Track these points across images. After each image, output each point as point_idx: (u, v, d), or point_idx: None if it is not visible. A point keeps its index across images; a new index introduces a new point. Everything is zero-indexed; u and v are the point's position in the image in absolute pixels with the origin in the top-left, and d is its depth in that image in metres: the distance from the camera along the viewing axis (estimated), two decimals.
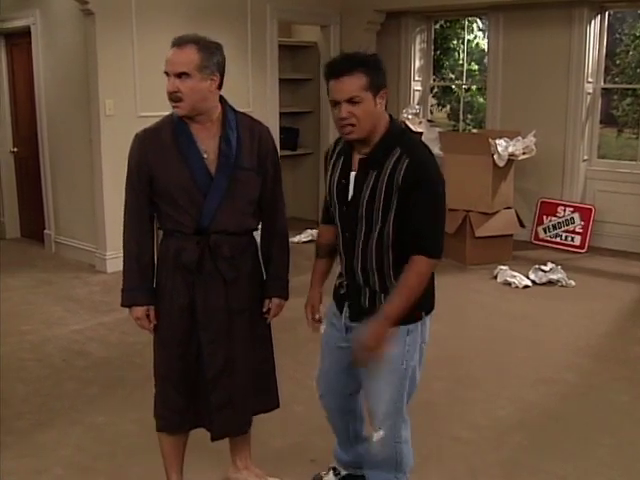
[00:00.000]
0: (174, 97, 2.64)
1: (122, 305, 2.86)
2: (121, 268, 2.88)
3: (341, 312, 2.77)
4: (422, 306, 2.64)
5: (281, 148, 8.27)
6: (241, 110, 2.88)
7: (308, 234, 8.04)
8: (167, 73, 2.64)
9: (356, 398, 3.00)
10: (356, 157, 2.60)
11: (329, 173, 2.71)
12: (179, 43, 2.64)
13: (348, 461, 3.17)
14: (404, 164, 2.46)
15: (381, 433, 2.71)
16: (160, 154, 2.71)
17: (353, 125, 2.47)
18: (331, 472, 3.22)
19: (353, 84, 2.42)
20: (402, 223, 2.51)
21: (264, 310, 2.93)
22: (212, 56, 2.66)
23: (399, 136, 2.57)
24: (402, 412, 2.74)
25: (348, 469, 3.20)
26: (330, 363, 2.90)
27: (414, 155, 2.49)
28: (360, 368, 2.69)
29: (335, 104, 2.48)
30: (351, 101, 2.44)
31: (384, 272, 2.60)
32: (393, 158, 2.49)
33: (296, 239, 7.88)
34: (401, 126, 2.69)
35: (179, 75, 2.61)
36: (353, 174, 2.60)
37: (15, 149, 8.11)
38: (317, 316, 2.93)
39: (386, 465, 2.81)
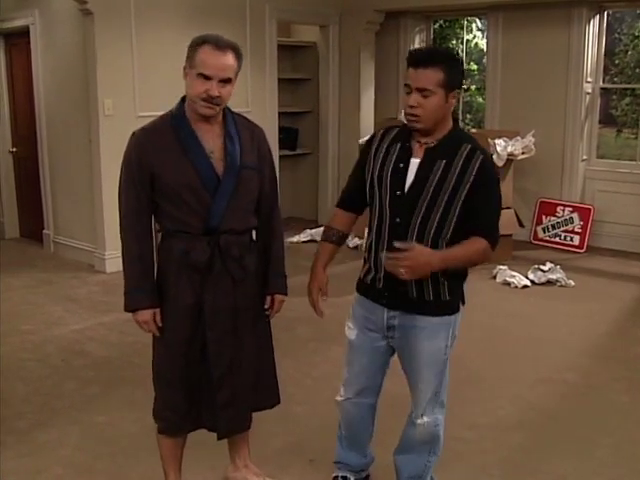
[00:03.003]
0: (215, 101, 2.62)
1: (126, 310, 2.78)
2: (120, 268, 2.85)
3: (378, 303, 2.75)
4: (460, 297, 2.80)
5: (280, 148, 8.27)
6: (240, 110, 2.89)
7: (307, 234, 8.04)
8: (205, 75, 2.59)
9: (378, 399, 3.03)
10: (420, 146, 2.65)
11: (379, 157, 2.71)
12: (220, 46, 2.61)
13: (363, 464, 3.15)
14: (477, 161, 2.58)
15: (425, 419, 2.82)
16: (162, 153, 2.68)
17: (417, 115, 2.56)
18: None
19: (429, 77, 2.51)
20: (462, 217, 2.61)
21: (266, 307, 2.94)
22: (241, 62, 2.69)
23: (464, 133, 2.73)
24: (442, 399, 2.85)
25: (359, 473, 3.17)
26: (364, 365, 2.90)
27: (485, 154, 2.63)
28: (409, 364, 2.80)
29: (408, 91, 2.58)
30: (422, 92, 2.52)
31: None
32: (464, 152, 2.60)
33: (295, 239, 7.88)
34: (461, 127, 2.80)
35: (223, 80, 2.61)
36: (416, 161, 2.63)
37: (14, 149, 8.11)
38: (324, 298, 2.93)
39: (422, 448, 2.90)
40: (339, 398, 3.01)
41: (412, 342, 2.74)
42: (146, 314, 2.75)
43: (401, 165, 2.64)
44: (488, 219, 2.65)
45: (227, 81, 2.63)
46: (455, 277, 2.72)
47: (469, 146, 2.60)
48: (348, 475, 3.15)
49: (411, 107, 2.56)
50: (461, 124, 9.72)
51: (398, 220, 2.65)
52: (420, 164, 2.62)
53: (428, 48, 2.64)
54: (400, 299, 2.71)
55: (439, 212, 2.59)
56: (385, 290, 2.73)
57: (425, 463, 2.93)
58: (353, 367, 2.93)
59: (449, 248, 2.63)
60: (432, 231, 2.62)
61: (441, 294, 2.70)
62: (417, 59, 2.54)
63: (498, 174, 2.70)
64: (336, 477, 3.16)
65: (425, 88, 2.51)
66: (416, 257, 2.48)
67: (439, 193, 2.58)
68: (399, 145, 2.68)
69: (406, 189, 2.62)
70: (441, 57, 2.54)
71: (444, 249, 2.63)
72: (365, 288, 2.82)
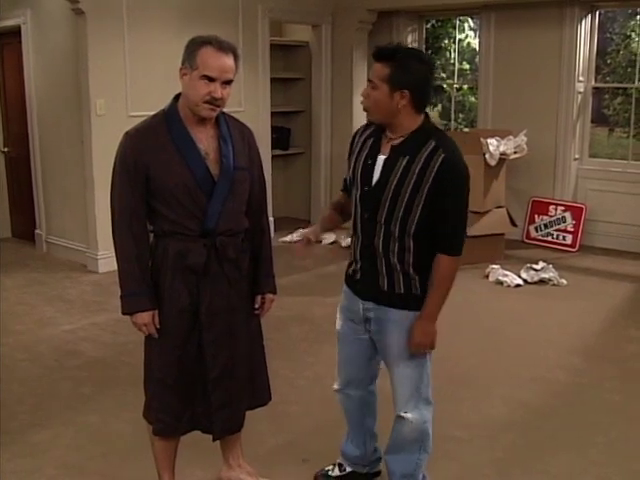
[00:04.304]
0: (218, 103, 2.62)
1: (124, 313, 2.74)
2: (112, 268, 2.83)
3: (356, 294, 2.82)
4: None
5: (273, 147, 8.26)
6: (233, 110, 2.89)
7: (300, 234, 8.02)
8: (210, 77, 2.57)
9: (374, 391, 3.09)
10: (387, 142, 2.68)
11: (355, 152, 2.78)
12: (223, 48, 2.60)
13: (356, 456, 3.19)
14: (439, 158, 2.56)
15: (409, 415, 2.84)
16: (157, 154, 2.65)
17: (367, 105, 2.65)
18: (337, 468, 3.25)
19: (376, 71, 2.59)
20: (428, 215, 2.61)
21: (256, 307, 2.95)
22: (239, 63, 2.68)
23: (433, 130, 2.69)
24: (426, 396, 2.87)
25: (354, 466, 3.22)
26: (351, 355, 2.96)
27: (449, 151, 2.59)
28: (385, 358, 2.87)
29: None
30: (371, 84, 2.61)
31: (404, 255, 2.68)
32: (428, 149, 2.58)
33: (288, 238, 7.87)
34: (434, 125, 2.79)
35: (226, 82, 2.61)
36: (382, 158, 2.67)
37: (6, 149, 8.07)
38: (304, 240, 2.95)
39: (412, 446, 2.93)
40: (335, 387, 3.10)
41: (386, 335, 2.79)
42: (146, 316, 2.72)
43: (369, 162, 2.69)
44: (450, 229, 2.64)
45: (229, 83, 2.63)
46: (426, 273, 2.73)
47: (433, 143, 2.59)
48: (343, 463, 3.23)
49: (362, 97, 2.67)
50: (453, 124, 9.75)
51: (366, 216, 2.71)
52: (385, 161, 2.65)
53: (387, 45, 2.64)
54: (372, 290, 2.76)
55: (402, 209, 2.62)
56: (361, 281, 2.80)
57: (416, 461, 2.96)
58: (340, 357, 3.01)
59: (427, 300, 2.70)
60: (397, 228, 2.65)
61: (412, 288, 2.73)
62: (374, 53, 2.62)
63: (464, 173, 2.63)
64: (336, 462, 3.25)
65: (371, 80, 2.60)
66: (420, 339, 2.71)
67: (400, 190, 2.60)
68: (371, 141, 2.73)
69: (372, 186, 2.67)
70: (392, 53, 2.56)
71: (424, 308, 2.71)
72: (347, 279, 2.90)
